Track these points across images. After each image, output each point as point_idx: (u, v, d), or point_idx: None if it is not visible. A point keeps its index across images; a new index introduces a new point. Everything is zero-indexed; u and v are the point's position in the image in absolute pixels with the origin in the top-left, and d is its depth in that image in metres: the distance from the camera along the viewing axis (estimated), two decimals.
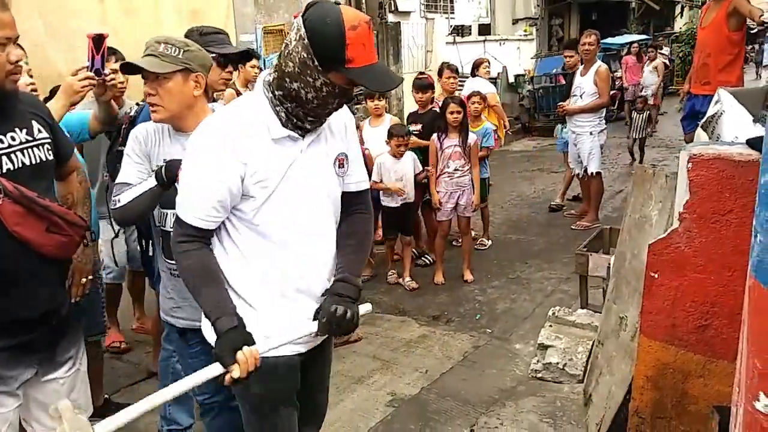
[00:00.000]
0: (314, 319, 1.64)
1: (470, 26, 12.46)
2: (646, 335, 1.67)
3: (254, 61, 4.37)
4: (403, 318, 4.12)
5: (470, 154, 4.59)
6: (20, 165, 1.71)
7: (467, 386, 3.21)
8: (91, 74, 2.33)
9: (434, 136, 4.63)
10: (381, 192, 4.54)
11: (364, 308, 1.73)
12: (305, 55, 1.48)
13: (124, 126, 2.54)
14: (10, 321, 1.70)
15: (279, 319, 1.64)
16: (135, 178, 2.04)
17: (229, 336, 1.50)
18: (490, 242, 5.50)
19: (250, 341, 1.52)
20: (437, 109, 4.85)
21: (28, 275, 1.70)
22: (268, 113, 1.57)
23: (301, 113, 1.56)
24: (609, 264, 3.07)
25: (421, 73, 6.06)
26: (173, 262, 1.95)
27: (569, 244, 5.31)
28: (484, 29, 12.83)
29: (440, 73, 5.59)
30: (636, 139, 8.22)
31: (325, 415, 2.01)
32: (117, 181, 2.08)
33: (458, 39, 11.65)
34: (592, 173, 5.74)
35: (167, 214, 2.04)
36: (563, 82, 9.96)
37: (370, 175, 4.53)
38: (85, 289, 2.07)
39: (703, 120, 2.38)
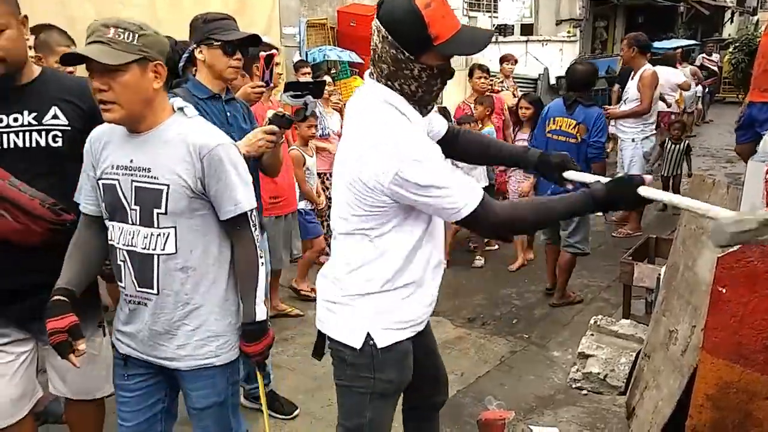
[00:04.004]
0: (556, 176, 1.84)
1: (513, 26, 12.30)
2: (709, 352, 1.60)
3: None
4: (438, 318, 4.07)
5: None
6: (9, 146, 1.75)
7: (504, 392, 3.15)
8: (263, 83, 2.80)
9: (510, 129, 5.05)
10: None
11: None
12: (394, 52, 1.50)
13: None
14: None
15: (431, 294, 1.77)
16: (83, 198, 1.83)
17: (619, 187, 1.58)
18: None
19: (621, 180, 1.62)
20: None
21: None
22: (404, 106, 1.57)
23: (416, 107, 1.59)
24: (659, 274, 2.98)
25: None
26: (147, 290, 1.78)
27: (609, 251, 5.20)
28: (527, 29, 12.66)
29: (471, 74, 5.50)
30: (669, 177, 6.39)
31: (447, 381, 2.14)
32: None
33: (500, 38, 11.50)
34: None
35: (113, 226, 1.77)
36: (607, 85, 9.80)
37: None
38: None
39: None
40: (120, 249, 1.73)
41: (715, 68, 13.59)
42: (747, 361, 1.53)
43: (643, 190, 1.54)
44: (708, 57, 13.71)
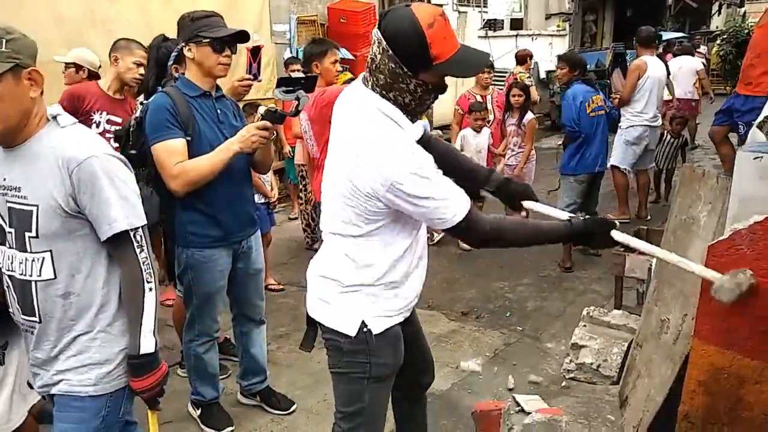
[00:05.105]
0: (518, 205, 1.96)
1: (503, 20, 12.32)
2: (701, 338, 1.63)
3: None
4: (432, 312, 4.11)
5: (526, 131, 5.28)
6: None
7: (498, 383, 3.19)
8: (250, 77, 2.78)
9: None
10: None
11: None
12: (393, 66, 1.55)
13: (131, 128, 2.51)
14: None
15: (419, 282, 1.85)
16: None
17: (591, 224, 1.73)
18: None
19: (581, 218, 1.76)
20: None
21: None
22: (397, 115, 1.61)
23: (408, 117, 1.64)
24: (650, 265, 3.01)
25: None
26: (30, 318, 1.63)
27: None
28: (517, 24, 12.69)
29: None
30: (662, 170, 6.47)
31: (433, 365, 2.20)
32: None
33: (490, 33, 11.54)
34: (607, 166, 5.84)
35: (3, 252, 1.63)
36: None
37: None
38: None
39: (759, 120, 2.31)
40: (4, 274, 1.62)
41: (703, 60, 13.67)
42: (738, 346, 1.56)
43: (617, 234, 1.74)
44: (696, 49, 13.78)
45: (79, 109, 3.39)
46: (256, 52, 2.81)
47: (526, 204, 1.99)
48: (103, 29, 5.51)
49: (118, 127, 3.13)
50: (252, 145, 2.38)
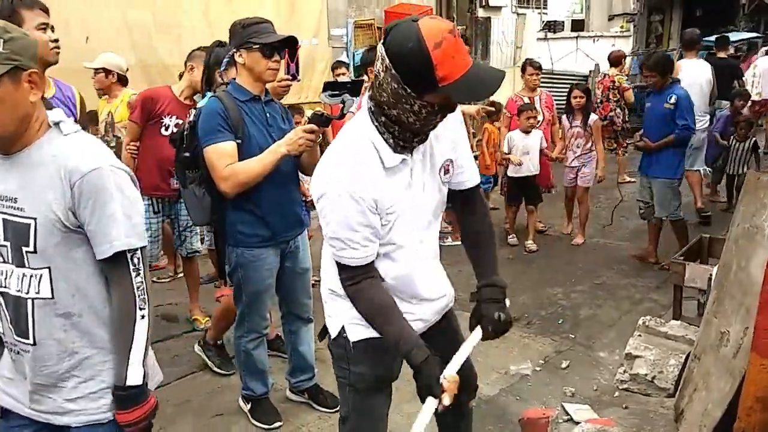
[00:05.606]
0: (473, 326, 1.73)
1: (563, 22, 12.08)
2: (759, 353, 1.55)
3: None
4: None
5: (592, 132, 5.29)
6: None
7: (548, 391, 3.12)
8: (288, 77, 2.81)
9: (564, 116, 5.49)
10: (509, 163, 5.28)
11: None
12: (396, 86, 1.44)
13: (185, 132, 2.58)
14: None
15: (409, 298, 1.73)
16: None
17: (429, 365, 1.54)
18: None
19: (442, 366, 1.57)
20: None
21: None
22: (379, 141, 1.55)
23: (408, 135, 1.55)
24: (710, 275, 2.88)
25: None
26: (23, 340, 1.50)
27: (660, 251, 5.05)
28: (578, 25, 12.41)
29: (523, 70, 5.67)
30: (734, 176, 6.29)
31: (476, 379, 2.05)
32: None
33: (550, 35, 11.34)
34: None
35: None
36: None
37: None
38: None
39: None
40: None
41: None
42: None
43: (430, 400, 1.54)
44: None
45: (152, 111, 3.54)
46: (293, 52, 2.82)
47: (474, 331, 1.74)
48: (169, 35, 5.77)
49: None
50: (299, 148, 2.43)
